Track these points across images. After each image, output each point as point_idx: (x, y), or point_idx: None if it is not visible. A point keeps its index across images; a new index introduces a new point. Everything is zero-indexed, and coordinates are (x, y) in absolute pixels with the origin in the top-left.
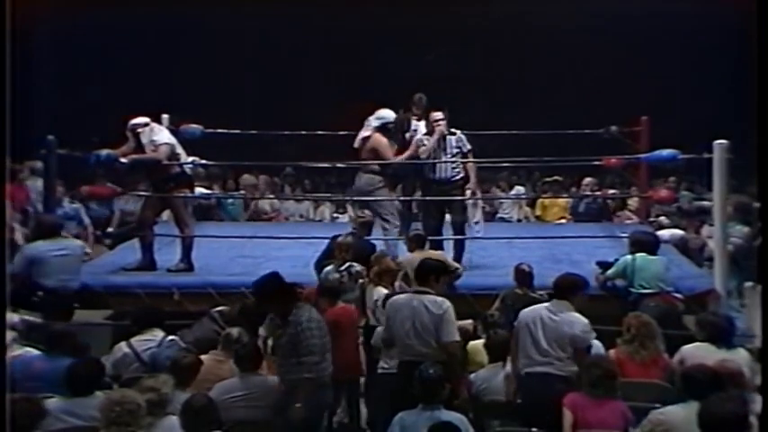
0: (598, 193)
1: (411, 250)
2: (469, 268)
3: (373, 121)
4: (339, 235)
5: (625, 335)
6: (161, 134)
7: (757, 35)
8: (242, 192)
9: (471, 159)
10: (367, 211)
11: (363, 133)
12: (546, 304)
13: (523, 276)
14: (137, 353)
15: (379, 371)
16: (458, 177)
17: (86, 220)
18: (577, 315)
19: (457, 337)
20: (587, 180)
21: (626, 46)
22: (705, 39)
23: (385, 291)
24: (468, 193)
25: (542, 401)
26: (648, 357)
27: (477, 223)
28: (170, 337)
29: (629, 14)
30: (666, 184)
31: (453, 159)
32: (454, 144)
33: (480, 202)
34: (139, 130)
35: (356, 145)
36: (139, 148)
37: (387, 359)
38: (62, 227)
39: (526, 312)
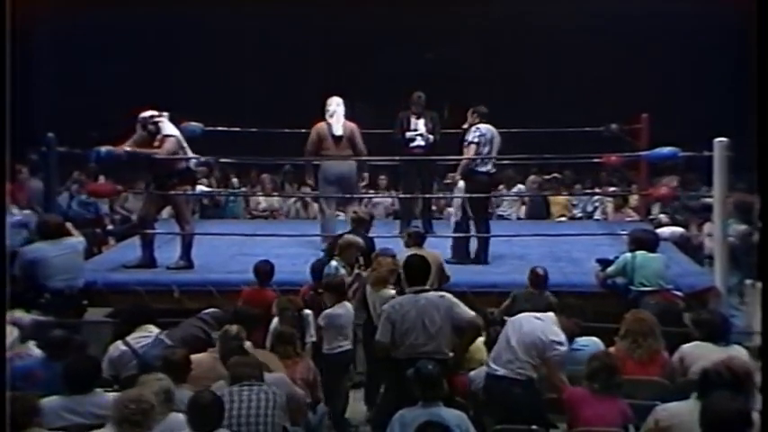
0: (598, 190)
1: (408, 246)
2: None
3: (339, 109)
4: (344, 233)
5: (621, 332)
6: (169, 128)
7: (757, 35)
8: (243, 189)
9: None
10: (363, 208)
11: (341, 121)
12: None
13: (537, 279)
14: (134, 351)
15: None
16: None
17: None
18: (547, 318)
19: (472, 312)
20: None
21: (626, 46)
22: (705, 39)
23: (393, 291)
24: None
25: (501, 404)
26: (646, 354)
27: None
28: (158, 336)
29: (629, 14)
30: (670, 182)
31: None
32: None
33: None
34: (157, 119)
35: (340, 132)
36: (152, 139)
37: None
38: (64, 225)
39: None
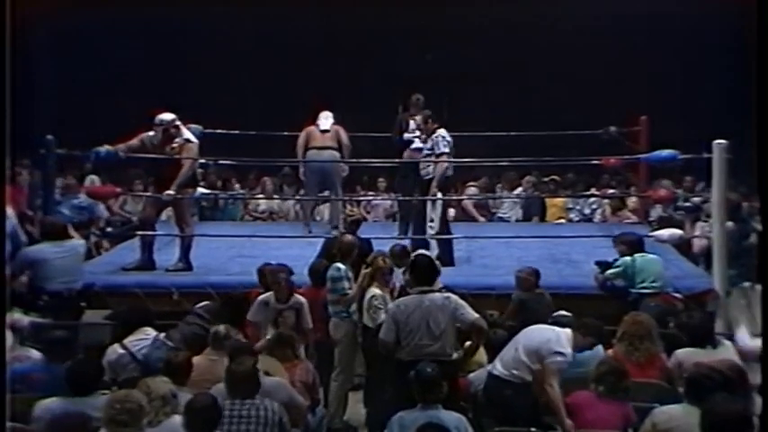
0: (596, 192)
1: (398, 266)
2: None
3: (328, 120)
4: (339, 235)
5: (618, 334)
6: (187, 132)
7: (757, 35)
8: (241, 191)
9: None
10: (355, 209)
11: (330, 120)
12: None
13: (535, 280)
14: (132, 353)
15: None
16: (427, 177)
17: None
18: (562, 332)
19: (476, 315)
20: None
21: (626, 46)
22: (704, 40)
23: (378, 291)
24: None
25: (496, 405)
26: (643, 357)
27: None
28: (158, 338)
29: (629, 14)
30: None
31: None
32: (429, 145)
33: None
34: (178, 122)
35: (326, 127)
36: (167, 141)
37: None
38: (66, 227)
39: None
